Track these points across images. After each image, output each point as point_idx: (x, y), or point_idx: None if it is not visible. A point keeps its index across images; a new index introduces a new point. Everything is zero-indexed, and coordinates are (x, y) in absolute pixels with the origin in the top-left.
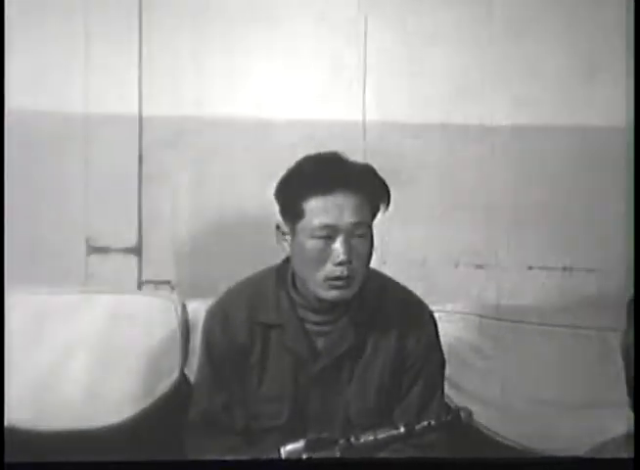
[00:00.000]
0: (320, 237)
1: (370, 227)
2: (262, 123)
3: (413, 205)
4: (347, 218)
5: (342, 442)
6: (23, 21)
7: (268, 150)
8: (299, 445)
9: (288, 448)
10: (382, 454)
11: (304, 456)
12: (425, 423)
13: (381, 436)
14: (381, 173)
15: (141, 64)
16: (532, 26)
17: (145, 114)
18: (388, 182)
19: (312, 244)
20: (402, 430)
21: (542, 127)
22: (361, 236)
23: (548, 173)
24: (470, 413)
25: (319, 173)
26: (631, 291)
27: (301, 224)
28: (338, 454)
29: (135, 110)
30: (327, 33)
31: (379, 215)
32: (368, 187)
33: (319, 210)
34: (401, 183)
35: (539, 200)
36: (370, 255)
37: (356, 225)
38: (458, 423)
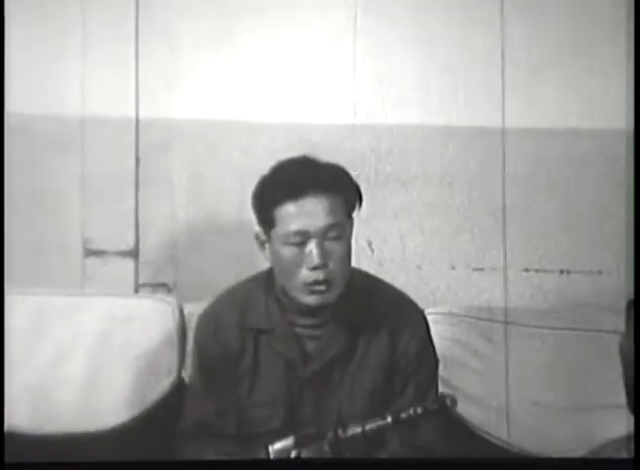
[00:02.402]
0: (293, 243)
1: (345, 228)
2: (260, 126)
3: (410, 207)
4: (319, 222)
5: (330, 435)
6: (22, 23)
7: (267, 152)
8: (288, 442)
9: (276, 447)
10: (382, 455)
11: (294, 453)
12: (411, 411)
13: (368, 427)
14: (379, 176)
15: (137, 66)
16: (532, 26)
17: (142, 116)
18: (386, 185)
19: (287, 250)
20: (389, 419)
21: (542, 129)
22: (335, 238)
23: (547, 175)
24: (454, 400)
25: (288, 179)
26: (630, 294)
27: (275, 231)
28: (327, 448)
29: (132, 112)
30: (325, 34)
31: (354, 214)
32: (338, 188)
33: (290, 216)
34: (399, 186)
35: (537, 202)
36: (348, 255)
37: (329, 228)
38: (444, 410)
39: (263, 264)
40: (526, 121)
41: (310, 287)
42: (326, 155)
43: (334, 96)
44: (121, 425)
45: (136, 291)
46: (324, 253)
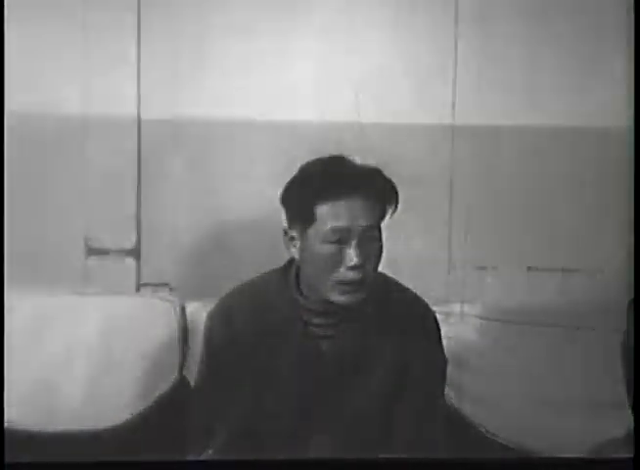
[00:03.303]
0: (332, 241)
1: (380, 230)
2: (261, 125)
3: (410, 206)
4: (360, 222)
5: None
6: (22, 22)
7: (268, 151)
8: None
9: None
10: (381, 455)
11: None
12: None
13: None
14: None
15: (139, 65)
16: (533, 26)
17: (144, 115)
18: None
19: (325, 248)
20: None
21: (542, 128)
22: (372, 239)
23: (548, 174)
24: None
25: (329, 178)
26: (631, 292)
27: (313, 229)
28: None
29: (134, 111)
30: (327, 34)
31: (387, 217)
32: (378, 190)
33: (331, 214)
34: (401, 184)
35: (539, 200)
36: (380, 257)
37: (368, 228)
38: None
39: (265, 263)
40: (527, 121)
41: (345, 286)
42: (327, 154)
43: (334, 95)
44: (123, 424)
45: (138, 290)
46: (363, 253)
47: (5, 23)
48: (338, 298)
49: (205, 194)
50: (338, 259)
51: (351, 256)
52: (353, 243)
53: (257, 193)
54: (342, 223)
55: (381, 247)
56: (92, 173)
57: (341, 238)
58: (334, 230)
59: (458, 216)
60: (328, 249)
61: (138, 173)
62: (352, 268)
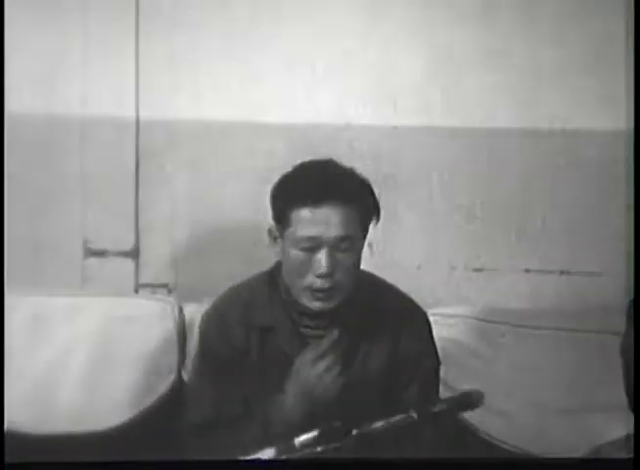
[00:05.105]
0: (304, 248)
1: (357, 240)
2: (261, 126)
3: (410, 208)
4: (333, 232)
5: (354, 432)
6: (22, 23)
7: (265, 154)
8: (312, 434)
9: (301, 439)
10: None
11: (319, 449)
12: (439, 405)
13: (394, 420)
14: (378, 177)
15: (138, 66)
16: (532, 26)
17: (142, 117)
18: (385, 186)
19: (296, 254)
20: (415, 415)
21: (542, 130)
22: (346, 250)
23: (547, 176)
24: (481, 395)
25: (309, 183)
26: (630, 294)
27: (288, 232)
28: (352, 444)
29: (132, 113)
30: (327, 35)
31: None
32: (358, 200)
33: (305, 221)
34: (399, 187)
35: (537, 202)
36: (356, 267)
37: (342, 239)
38: (469, 403)
39: (264, 264)
40: (527, 122)
41: (314, 293)
42: (327, 155)
43: (334, 96)
44: (122, 425)
45: (136, 291)
46: (333, 262)
47: (5, 23)
48: (308, 303)
49: (204, 195)
50: (308, 266)
51: (320, 263)
52: (324, 251)
53: (256, 194)
54: (314, 231)
55: (357, 257)
56: (91, 174)
57: (313, 245)
58: (306, 237)
59: (457, 218)
60: (299, 255)
61: (136, 174)
62: (320, 276)
